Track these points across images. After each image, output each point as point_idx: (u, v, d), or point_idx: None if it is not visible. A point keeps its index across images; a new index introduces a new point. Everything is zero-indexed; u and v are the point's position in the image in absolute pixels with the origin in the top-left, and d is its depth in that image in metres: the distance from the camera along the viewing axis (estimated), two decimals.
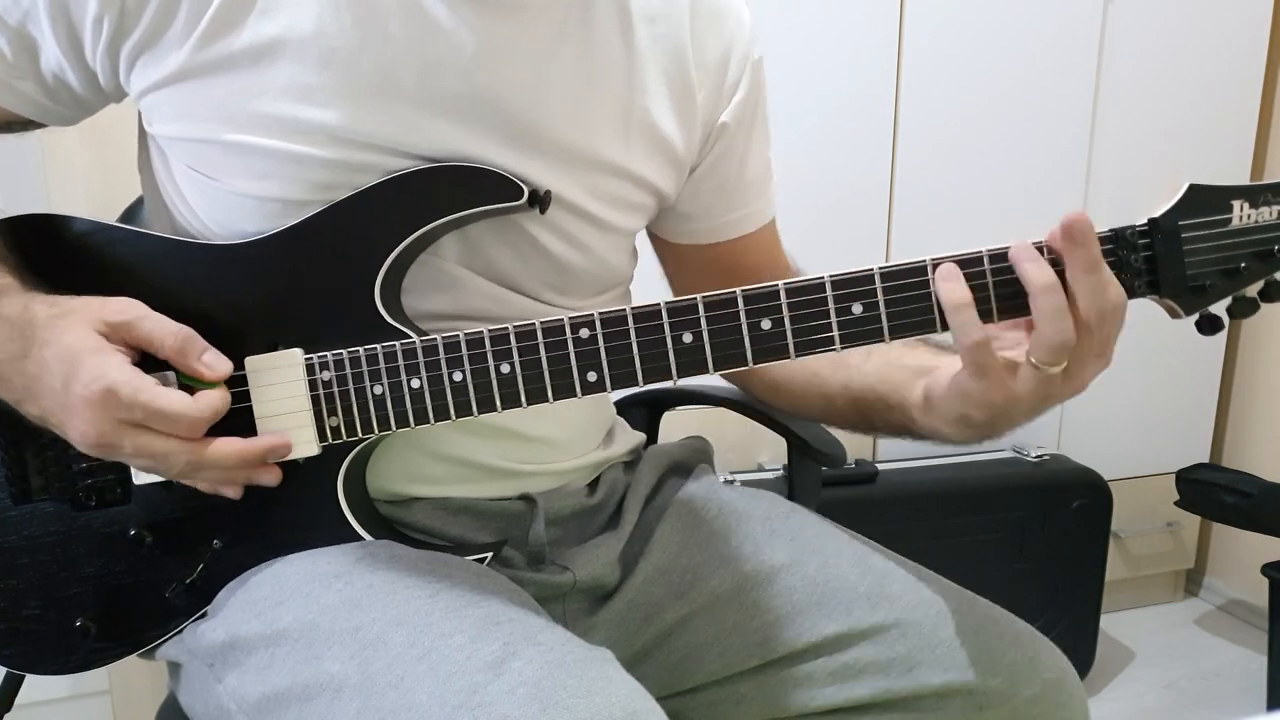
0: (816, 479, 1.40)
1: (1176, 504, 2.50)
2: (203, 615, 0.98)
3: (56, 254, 0.95)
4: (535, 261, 1.01)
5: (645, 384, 0.89)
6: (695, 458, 1.22)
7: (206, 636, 0.94)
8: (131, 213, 1.39)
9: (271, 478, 0.93)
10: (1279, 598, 2.25)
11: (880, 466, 2.28)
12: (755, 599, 1.04)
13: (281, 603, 0.90)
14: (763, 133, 1.16)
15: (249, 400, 0.92)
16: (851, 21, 2.18)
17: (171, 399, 0.86)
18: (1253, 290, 0.83)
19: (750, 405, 1.33)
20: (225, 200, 0.94)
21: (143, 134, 1.02)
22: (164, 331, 0.88)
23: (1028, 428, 2.44)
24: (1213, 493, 2.40)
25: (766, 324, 0.85)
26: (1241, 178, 2.50)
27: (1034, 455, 2.40)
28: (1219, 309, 0.84)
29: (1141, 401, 2.60)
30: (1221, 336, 2.63)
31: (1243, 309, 0.83)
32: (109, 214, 1.39)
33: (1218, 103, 2.48)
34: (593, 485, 1.14)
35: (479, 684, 0.78)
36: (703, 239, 1.16)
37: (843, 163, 2.24)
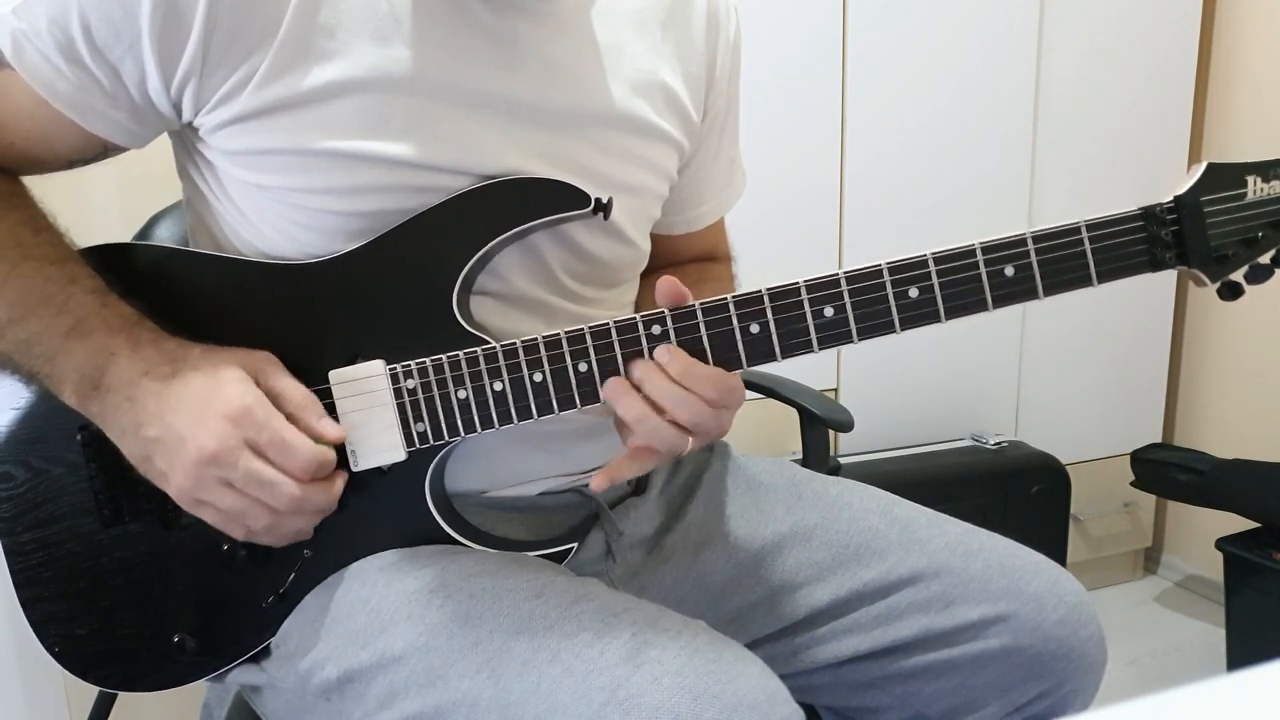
0: (825, 444, 1.50)
1: (1132, 484, 2.57)
2: (265, 649, 1.02)
3: (143, 281, 0.98)
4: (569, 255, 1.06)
5: None
6: None
7: (316, 675, 0.96)
8: (147, 230, 1.41)
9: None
10: (1233, 571, 2.32)
11: (842, 460, 2.33)
12: (796, 558, 1.11)
13: (385, 629, 0.92)
14: (735, 123, 1.24)
15: (335, 412, 0.96)
16: (794, 28, 2.22)
17: (298, 433, 0.91)
18: (1266, 257, 0.91)
19: (757, 384, 1.42)
20: (286, 215, 0.97)
21: (181, 143, 1.04)
22: (293, 388, 0.94)
23: (984, 415, 2.48)
24: (1166, 471, 2.47)
25: (829, 311, 0.91)
26: (1178, 167, 2.58)
27: (992, 442, 2.45)
28: (1238, 276, 0.91)
29: (1094, 385, 2.67)
30: (1168, 319, 2.71)
31: (1259, 275, 0.91)
32: (143, 215, 1.42)
33: (1153, 98, 2.56)
34: None
35: (620, 678, 0.80)
36: (676, 230, 1.24)
37: (793, 165, 2.27)
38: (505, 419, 0.95)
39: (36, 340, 0.92)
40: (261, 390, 0.92)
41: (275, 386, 0.93)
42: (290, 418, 0.92)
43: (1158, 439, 2.75)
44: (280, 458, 0.90)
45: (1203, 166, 0.90)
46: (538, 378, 0.94)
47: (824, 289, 0.91)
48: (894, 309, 0.91)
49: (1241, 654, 2.35)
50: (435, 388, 0.96)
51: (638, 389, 0.92)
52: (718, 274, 1.28)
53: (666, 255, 1.23)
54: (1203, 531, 2.65)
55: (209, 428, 0.89)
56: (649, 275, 1.20)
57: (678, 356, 0.92)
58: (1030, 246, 0.89)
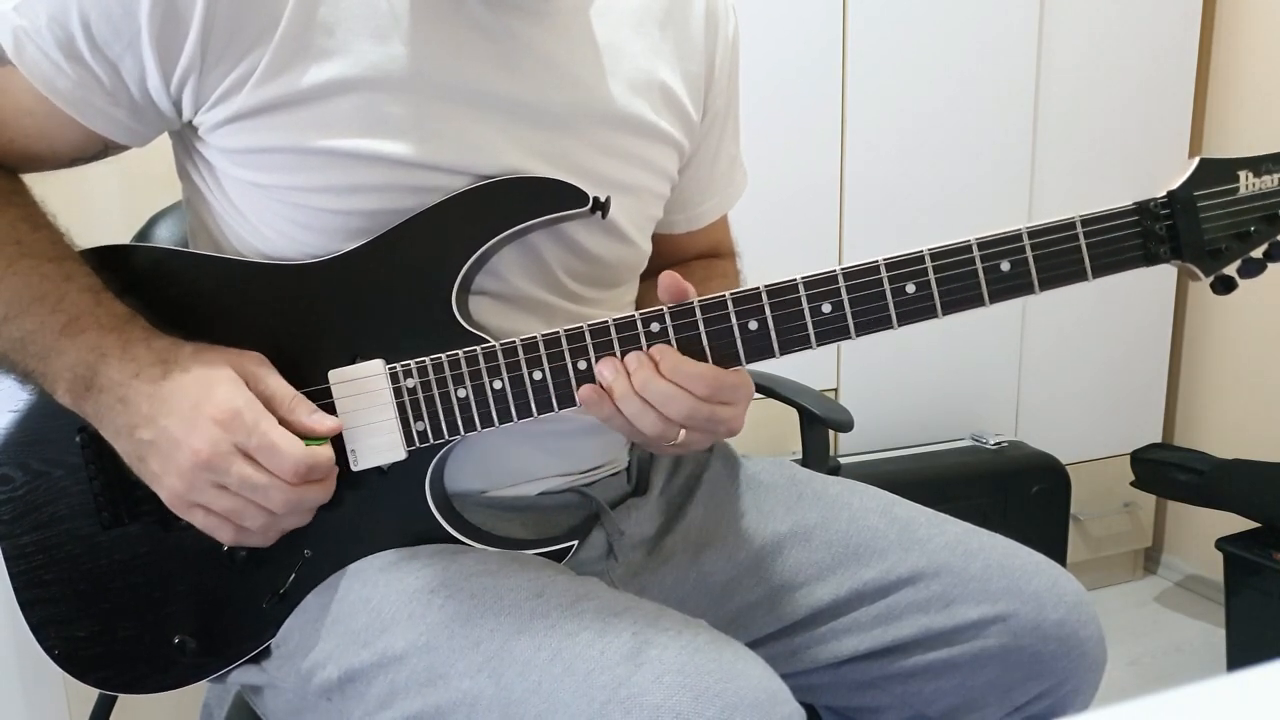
0: (825, 444, 1.51)
1: (1132, 484, 2.57)
2: (266, 649, 1.01)
3: (142, 283, 0.98)
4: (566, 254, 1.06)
5: None
6: None
7: (317, 675, 0.96)
8: (147, 230, 1.41)
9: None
10: (1233, 571, 2.32)
11: (842, 460, 2.33)
12: (796, 558, 1.12)
13: (386, 629, 0.92)
14: (735, 121, 1.25)
15: (335, 412, 0.96)
16: (794, 28, 2.22)
17: (286, 436, 0.91)
18: (1259, 251, 0.91)
19: (757, 383, 1.43)
20: (285, 215, 0.98)
21: (181, 143, 1.04)
22: (284, 389, 0.93)
23: (984, 415, 2.47)
24: (1166, 471, 2.46)
25: (827, 307, 0.92)
26: (1178, 167, 2.54)
27: (992, 443, 2.45)
28: (1231, 270, 0.92)
29: (1094, 385, 2.66)
30: (1168, 319, 2.71)
31: (1252, 269, 0.91)
32: (143, 215, 1.42)
33: (1153, 98, 2.56)
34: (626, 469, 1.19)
35: (621, 677, 0.80)
36: (678, 228, 1.24)
37: (793, 165, 2.27)
38: (505, 417, 0.96)
39: (31, 339, 0.92)
40: (253, 393, 0.92)
41: (265, 389, 0.93)
42: (282, 420, 0.92)
43: (1158, 439, 2.75)
44: (269, 462, 0.90)
45: (1196, 161, 0.90)
46: (537, 376, 0.95)
47: (821, 285, 0.92)
48: (891, 305, 0.91)
49: (1241, 654, 2.34)
50: (435, 387, 0.96)
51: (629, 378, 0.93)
52: (723, 270, 1.28)
53: (670, 254, 1.23)
54: (1203, 531, 2.64)
55: (201, 431, 0.89)
56: (652, 275, 1.20)
57: (667, 354, 0.92)
58: (1026, 242, 0.90)
